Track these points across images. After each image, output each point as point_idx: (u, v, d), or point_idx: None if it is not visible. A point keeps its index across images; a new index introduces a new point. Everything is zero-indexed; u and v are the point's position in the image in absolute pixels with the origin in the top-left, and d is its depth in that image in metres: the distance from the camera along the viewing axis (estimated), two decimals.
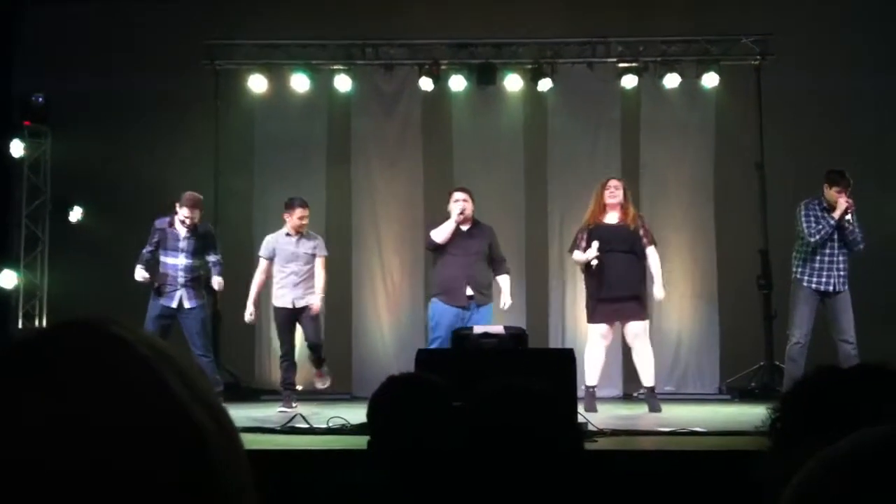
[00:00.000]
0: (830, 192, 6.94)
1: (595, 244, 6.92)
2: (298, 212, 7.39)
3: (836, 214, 6.89)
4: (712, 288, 9.03)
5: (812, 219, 7.00)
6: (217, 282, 7.26)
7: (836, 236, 6.95)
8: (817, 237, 6.97)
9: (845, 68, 8.63)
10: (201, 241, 7.21)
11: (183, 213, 7.08)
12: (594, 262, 6.96)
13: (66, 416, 0.53)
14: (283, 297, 7.43)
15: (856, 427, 0.58)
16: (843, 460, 0.58)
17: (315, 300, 7.42)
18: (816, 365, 0.92)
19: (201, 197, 7.24)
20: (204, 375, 0.63)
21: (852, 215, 6.96)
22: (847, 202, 6.88)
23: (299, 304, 7.39)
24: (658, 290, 7.24)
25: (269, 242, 7.50)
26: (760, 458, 0.89)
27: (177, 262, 7.14)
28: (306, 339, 7.54)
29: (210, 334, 7.59)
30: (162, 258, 7.17)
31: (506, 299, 7.23)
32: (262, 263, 7.50)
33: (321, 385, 7.70)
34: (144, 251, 7.16)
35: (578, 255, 7.12)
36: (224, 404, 0.65)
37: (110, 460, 0.53)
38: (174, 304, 7.10)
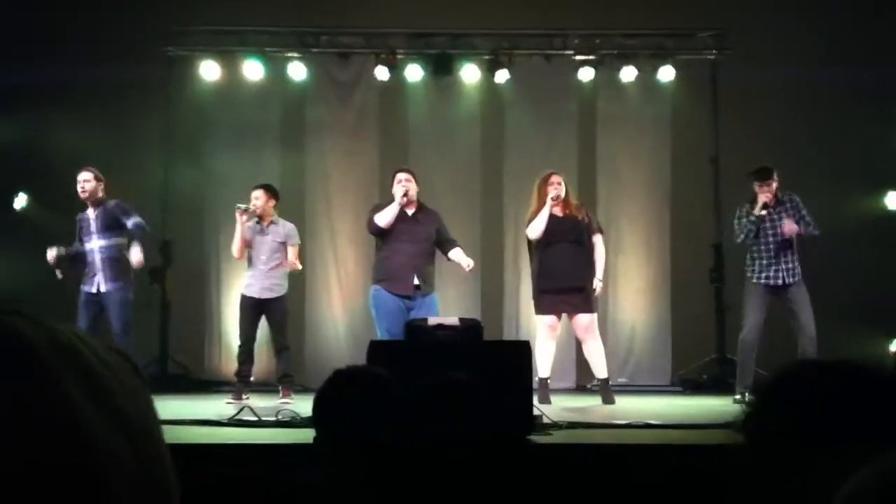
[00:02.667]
0: (754, 189, 7.01)
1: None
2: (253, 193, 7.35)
3: (755, 210, 6.96)
4: (666, 281, 9.08)
5: (736, 220, 7.08)
6: (136, 259, 7.07)
7: (779, 230, 6.98)
8: (741, 237, 7.07)
9: (800, 63, 8.69)
10: (109, 214, 7.08)
11: (80, 178, 7.00)
12: (551, 201, 6.90)
13: None
14: (250, 286, 7.34)
15: (841, 424, 0.53)
16: None
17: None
18: (796, 360, 0.87)
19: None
20: (115, 371, 0.53)
21: (799, 208, 7.00)
22: (766, 197, 6.93)
23: (264, 295, 7.28)
24: (597, 282, 7.11)
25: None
26: (732, 453, 0.83)
27: (91, 245, 7.09)
28: (271, 332, 7.43)
29: (131, 314, 7.16)
30: (82, 248, 7.13)
31: (468, 261, 6.95)
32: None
33: (284, 401, 6.88)
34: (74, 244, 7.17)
35: (536, 223, 6.98)
36: (148, 398, 0.56)
37: None
38: (94, 290, 7.03)
